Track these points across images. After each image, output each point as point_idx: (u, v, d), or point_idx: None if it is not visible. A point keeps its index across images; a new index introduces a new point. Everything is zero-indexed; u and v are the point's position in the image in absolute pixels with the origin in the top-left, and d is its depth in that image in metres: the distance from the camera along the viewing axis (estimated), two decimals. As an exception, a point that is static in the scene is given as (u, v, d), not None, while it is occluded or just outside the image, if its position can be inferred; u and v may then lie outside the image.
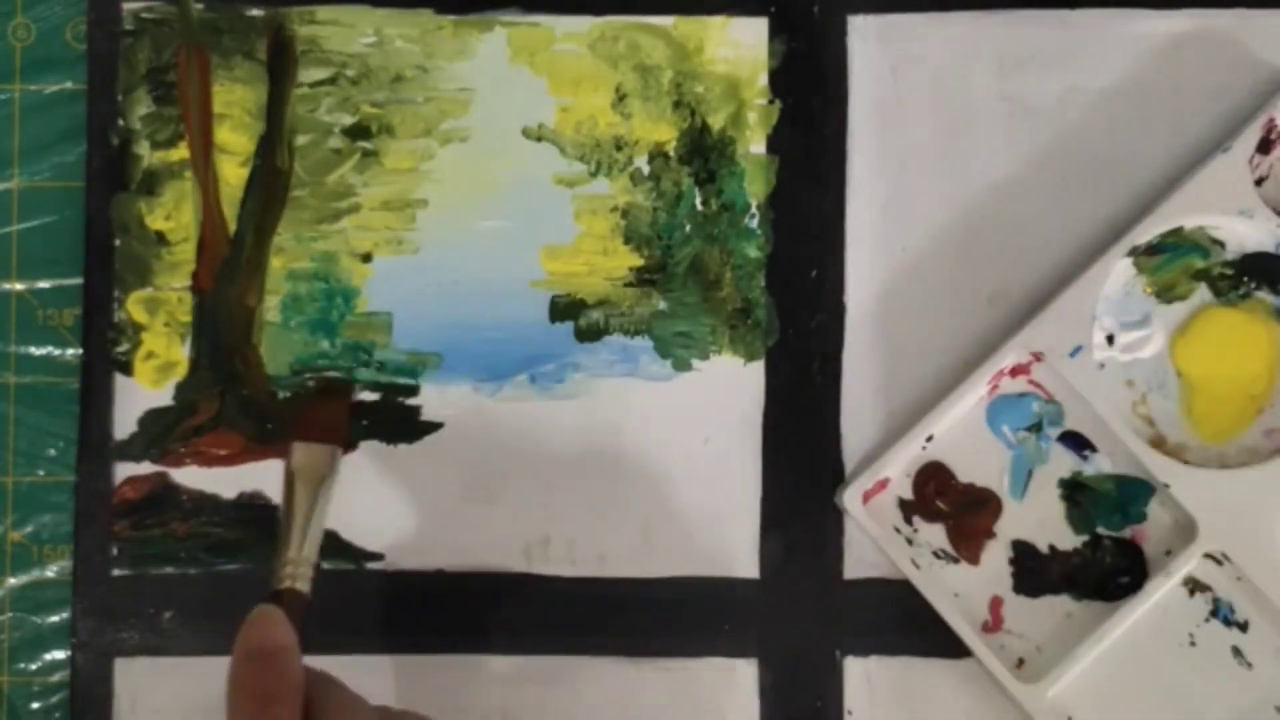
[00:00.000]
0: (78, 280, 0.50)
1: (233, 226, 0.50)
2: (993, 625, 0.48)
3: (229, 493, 0.50)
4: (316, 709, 0.38)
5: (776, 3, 0.50)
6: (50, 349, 0.50)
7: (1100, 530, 0.48)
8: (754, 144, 0.50)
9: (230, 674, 0.37)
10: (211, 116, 0.50)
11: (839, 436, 0.49)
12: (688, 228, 0.50)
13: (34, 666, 0.50)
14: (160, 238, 0.50)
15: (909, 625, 0.48)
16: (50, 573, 0.50)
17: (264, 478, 0.50)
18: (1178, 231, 0.48)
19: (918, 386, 0.49)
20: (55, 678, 0.49)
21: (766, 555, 0.49)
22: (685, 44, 0.50)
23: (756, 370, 0.50)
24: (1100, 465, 0.48)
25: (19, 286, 0.51)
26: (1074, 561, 0.48)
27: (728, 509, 0.49)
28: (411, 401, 0.50)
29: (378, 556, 0.49)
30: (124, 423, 0.50)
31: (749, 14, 0.50)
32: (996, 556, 0.48)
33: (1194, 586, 0.47)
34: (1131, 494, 0.48)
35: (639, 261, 0.50)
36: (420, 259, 0.50)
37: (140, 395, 0.50)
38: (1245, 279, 0.48)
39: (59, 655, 0.49)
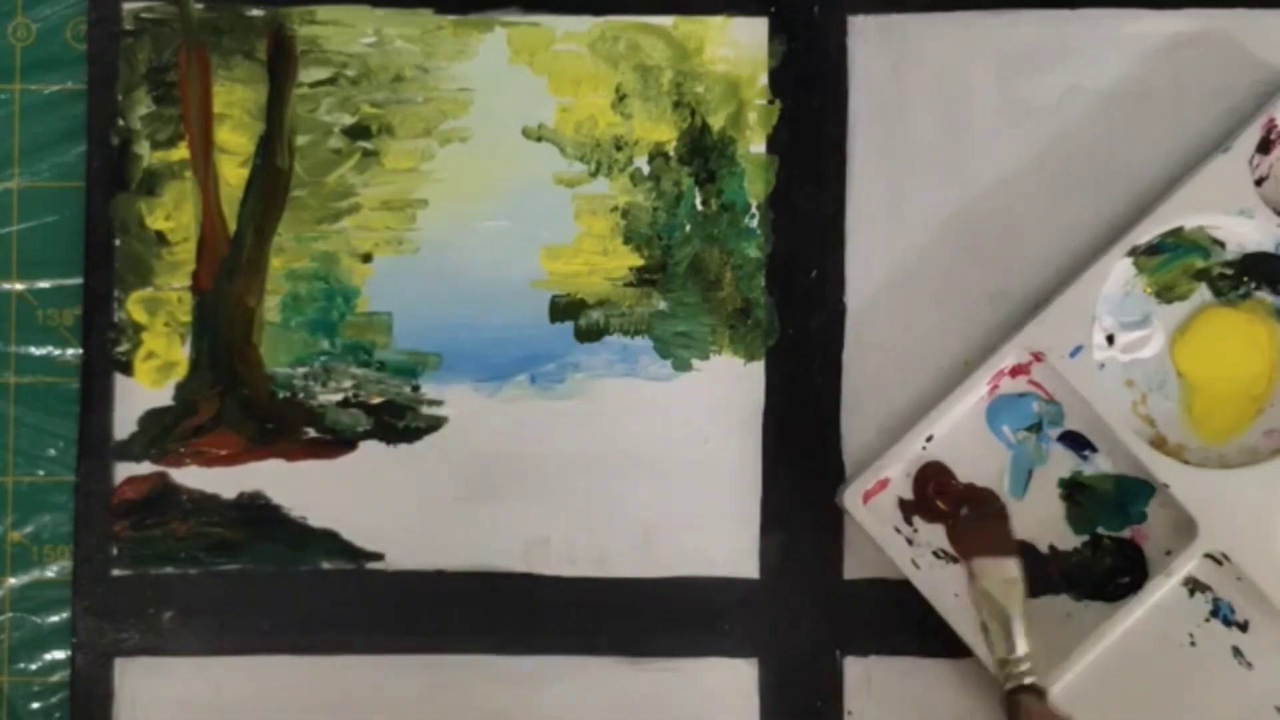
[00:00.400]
0: (78, 280, 0.50)
1: (233, 226, 0.50)
2: (993, 625, 0.48)
3: (229, 493, 0.50)
4: None
5: (776, 3, 0.50)
6: (50, 349, 0.50)
7: (1100, 530, 0.48)
8: (754, 144, 0.50)
9: None
10: (211, 116, 0.50)
11: (839, 436, 0.49)
12: (688, 228, 0.50)
13: (34, 666, 0.50)
14: (160, 238, 0.50)
15: (909, 625, 0.48)
16: (50, 573, 0.50)
17: (264, 478, 0.50)
18: (1178, 231, 0.48)
19: (918, 386, 0.49)
20: (55, 678, 0.49)
21: (766, 555, 0.49)
22: (685, 44, 0.50)
23: (756, 370, 0.50)
24: (1100, 465, 0.48)
25: (19, 286, 0.51)
26: (1074, 561, 0.48)
27: (728, 509, 0.49)
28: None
29: (378, 556, 0.49)
30: (124, 423, 0.50)
31: (749, 14, 0.50)
32: (996, 556, 0.48)
33: (1194, 586, 0.47)
34: (1131, 494, 0.48)
35: (639, 261, 0.50)
36: (420, 259, 0.50)
37: (140, 395, 0.50)
38: (1245, 279, 0.48)
39: (59, 655, 0.49)
